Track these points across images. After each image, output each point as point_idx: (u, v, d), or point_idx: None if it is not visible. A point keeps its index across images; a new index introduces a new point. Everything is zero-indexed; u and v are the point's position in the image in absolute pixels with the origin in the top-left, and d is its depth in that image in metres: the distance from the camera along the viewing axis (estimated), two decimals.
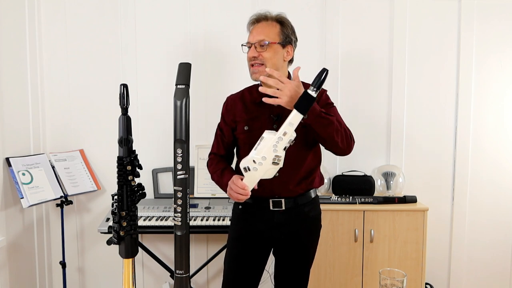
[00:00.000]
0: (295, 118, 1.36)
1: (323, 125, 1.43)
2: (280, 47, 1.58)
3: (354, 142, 1.59)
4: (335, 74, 2.53)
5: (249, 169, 1.42)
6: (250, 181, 1.44)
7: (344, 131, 1.52)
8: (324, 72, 1.34)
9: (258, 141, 1.41)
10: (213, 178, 1.69)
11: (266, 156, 1.39)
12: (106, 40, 2.55)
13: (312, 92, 1.34)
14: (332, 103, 1.67)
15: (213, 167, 1.69)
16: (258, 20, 1.60)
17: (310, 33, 2.53)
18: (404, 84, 2.56)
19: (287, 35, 1.60)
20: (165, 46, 2.55)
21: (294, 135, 1.39)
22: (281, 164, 1.41)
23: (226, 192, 1.59)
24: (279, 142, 1.38)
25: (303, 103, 1.35)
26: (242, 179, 1.46)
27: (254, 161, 1.40)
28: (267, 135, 1.40)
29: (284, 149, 1.39)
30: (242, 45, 1.64)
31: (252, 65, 1.58)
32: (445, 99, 2.57)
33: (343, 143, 1.50)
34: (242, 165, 1.43)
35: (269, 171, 1.42)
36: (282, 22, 1.60)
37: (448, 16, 2.53)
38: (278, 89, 1.38)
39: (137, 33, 2.55)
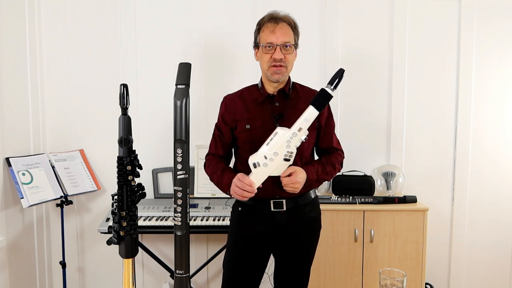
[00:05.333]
0: (311, 114, 1.39)
1: (322, 181, 1.63)
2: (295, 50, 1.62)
3: (343, 158, 1.72)
4: None
5: (258, 165, 1.40)
6: (257, 178, 1.43)
7: (334, 169, 1.63)
8: (342, 72, 1.42)
9: (271, 136, 1.41)
10: (212, 179, 1.65)
11: (278, 152, 1.38)
12: (106, 40, 2.55)
13: (330, 90, 1.40)
14: (332, 116, 1.70)
15: (212, 167, 1.65)
16: (277, 20, 1.55)
17: (310, 33, 2.52)
18: (404, 84, 2.56)
19: (298, 38, 1.62)
20: (165, 46, 2.55)
21: (307, 132, 1.40)
22: (291, 161, 1.41)
23: (226, 193, 1.59)
24: (293, 138, 1.38)
25: (320, 100, 1.40)
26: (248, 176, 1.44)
27: (265, 156, 1.39)
28: (281, 130, 1.40)
29: (296, 146, 1.40)
30: (260, 44, 1.57)
31: (274, 66, 1.54)
32: (445, 99, 2.57)
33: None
34: (252, 160, 1.41)
35: (279, 168, 1.41)
36: (295, 25, 1.60)
37: (448, 16, 2.53)
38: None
39: (137, 33, 2.55)
